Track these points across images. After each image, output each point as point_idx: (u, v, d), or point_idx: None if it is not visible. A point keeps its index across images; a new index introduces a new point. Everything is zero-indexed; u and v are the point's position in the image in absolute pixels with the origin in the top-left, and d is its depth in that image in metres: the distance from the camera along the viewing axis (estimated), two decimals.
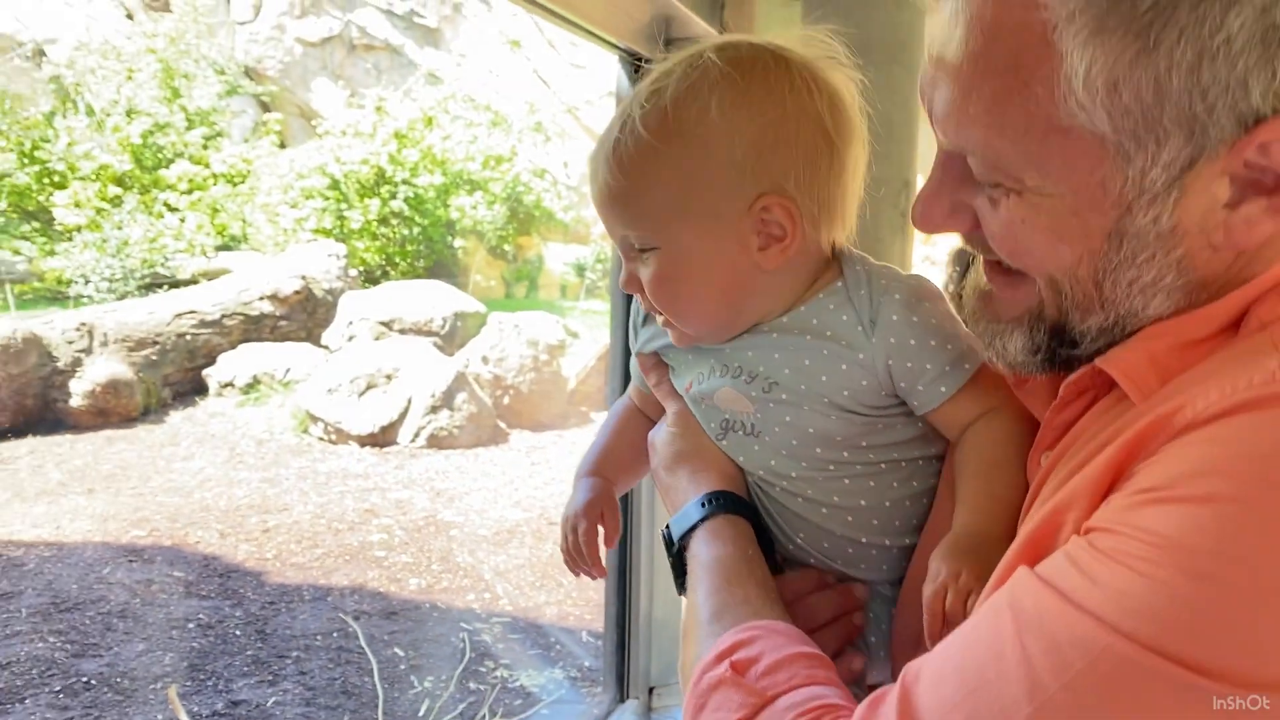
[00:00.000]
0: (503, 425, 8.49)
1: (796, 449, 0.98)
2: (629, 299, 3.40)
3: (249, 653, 4.78)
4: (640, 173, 0.94)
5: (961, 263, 0.92)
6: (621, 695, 2.91)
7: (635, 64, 2.78)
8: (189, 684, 4.44)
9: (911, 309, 0.95)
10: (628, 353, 3.37)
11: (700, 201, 0.93)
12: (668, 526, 1.01)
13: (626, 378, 3.41)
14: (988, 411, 0.95)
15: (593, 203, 1.01)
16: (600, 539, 1.12)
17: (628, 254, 1.00)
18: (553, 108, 15.60)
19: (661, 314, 1.02)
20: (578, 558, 1.13)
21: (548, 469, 7.78)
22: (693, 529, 0.97)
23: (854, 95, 0.97)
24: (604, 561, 1.13)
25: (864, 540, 0.99)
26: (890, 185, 2.64)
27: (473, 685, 4.61)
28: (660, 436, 1.10)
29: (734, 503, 0.98)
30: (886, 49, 2.49)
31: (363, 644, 4.78)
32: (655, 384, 1.13)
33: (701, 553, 0.94)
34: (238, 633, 4.97)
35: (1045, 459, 0.82)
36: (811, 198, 0.94)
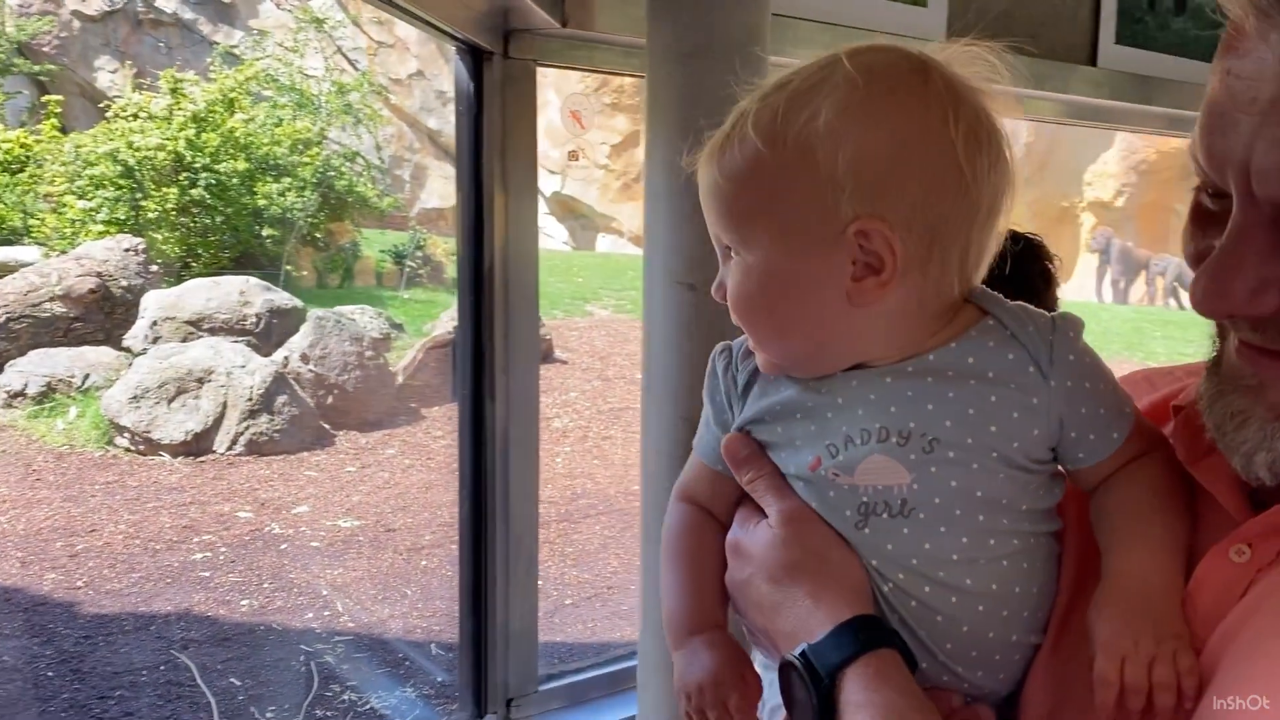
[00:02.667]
0: (327, 427, 8.28)
1: (960, 520, 0.83)
2: (477, 293, 3.20)
3: (64, 696, 4.43)
4: (737, 173, 0.84)
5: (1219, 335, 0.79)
6: (479, 710, 2.86)
7: (475, 56, 2.65)
8: None
9: (1083, 347, 0.85)
10: (479, 348, 3.22)
11: (791, 214, 0.82)
12: (805, 655, 0.81)
13: (478, 374, 3.27)
14: (1138, 456, 0.85)
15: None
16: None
17: (723, 257, 0.89)
18: (362, 88, 15.17)
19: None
20: None
21: (379, 471, 7.60)
22: (842, 664, 0.78)
23: (1002, 127, 0.84)
24: None
25: (1014, 639, 0.85)
26: None
27: (320, 713, 4.41)
28: (759, 540, 0.89)
29: (883, 632, 0.81)
30: (733, 47, 2.45)
31: (195, 676, 4.50)
32: (751, 479, 0.91)
33: (868, 699, 0.76)
34: (50, 674, 4.60)
35: (1238, 553, 0.75)
36: (922, 234, 0.81)
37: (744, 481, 0.92)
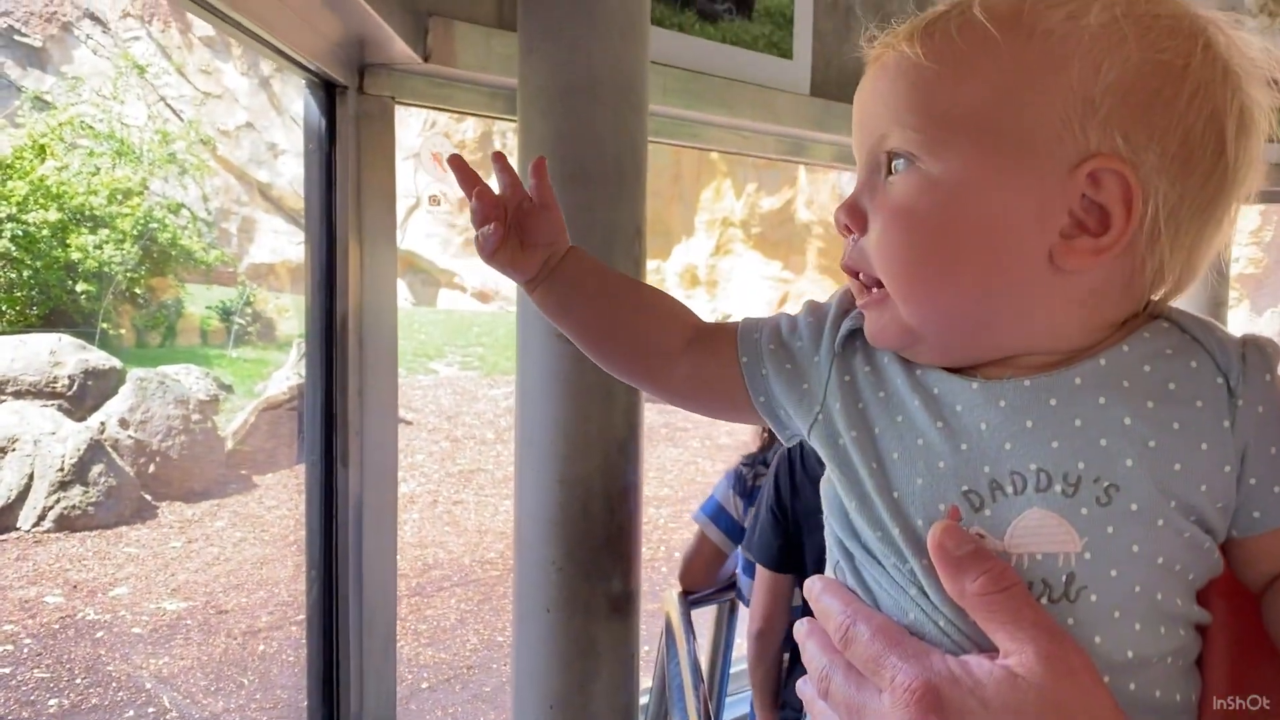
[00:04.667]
0: (149, 498, 7.89)
1: (1137, 602, 0.63)
2: (328, 349, 2.94)
3: None
4: (954, 58, 0.66)
5: None
6: None
7: (328, 91, 2.46)
8: None
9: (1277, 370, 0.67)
10: (329, 409, 2.98)
11: (1017, 124, 0.64)
12: None
13: (328, 437, 2.99)
14: None
15: (857, 95, 0.72)
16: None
17: (871, 167, 0.70)
18: (187, 138, 14.74)
19: (870, 285, 0.70)
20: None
21: (208, 546, 7.16)
22: None
23: (1266, 129, 0.67)
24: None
25: None
26: (623, 232, 2.48)
27: None
28: (998, 695, 0.59)
29: None
30: (614, 88, 2.34)
31: None
32: (985, 593, 0.61)
33: None
34: None
35: None
36: (1162, 201, 0.64)
37: (970, 592, 0.62)
